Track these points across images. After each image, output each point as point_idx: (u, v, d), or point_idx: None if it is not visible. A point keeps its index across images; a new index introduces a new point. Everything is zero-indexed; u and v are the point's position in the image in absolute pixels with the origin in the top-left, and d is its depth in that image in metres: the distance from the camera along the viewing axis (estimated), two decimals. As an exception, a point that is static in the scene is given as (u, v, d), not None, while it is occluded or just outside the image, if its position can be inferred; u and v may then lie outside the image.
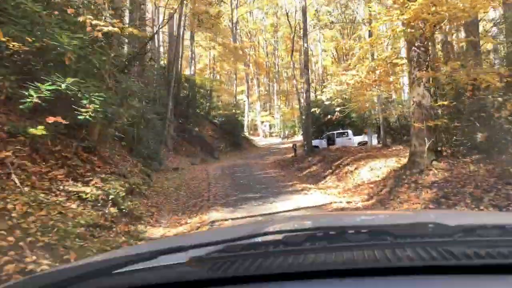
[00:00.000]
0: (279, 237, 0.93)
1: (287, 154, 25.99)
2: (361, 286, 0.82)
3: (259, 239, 1.01)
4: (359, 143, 21.52)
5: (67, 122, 5.97)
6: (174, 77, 22.65)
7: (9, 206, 4.28)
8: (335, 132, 23.10)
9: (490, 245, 0.86)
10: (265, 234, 1.13)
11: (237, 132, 31.88)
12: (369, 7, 16.33)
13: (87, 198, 5.95)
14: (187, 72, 33.38)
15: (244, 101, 51.58)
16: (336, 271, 0.84)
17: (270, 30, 49.54)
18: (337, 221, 1.60)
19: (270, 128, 52.81)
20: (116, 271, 0.90)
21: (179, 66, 24.78)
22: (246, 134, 40.65)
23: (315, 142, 22.04)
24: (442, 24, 8.85)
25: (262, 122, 51.27)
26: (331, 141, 22.34)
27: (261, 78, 54.78)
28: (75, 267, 1.08)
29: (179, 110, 24.57)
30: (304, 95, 20.51)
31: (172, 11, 19.61)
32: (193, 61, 34.96)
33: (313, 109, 21.15)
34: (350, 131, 22.73)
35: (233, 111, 34.81)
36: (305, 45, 21.47)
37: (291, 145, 37.33)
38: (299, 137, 45.37)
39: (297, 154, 20.97)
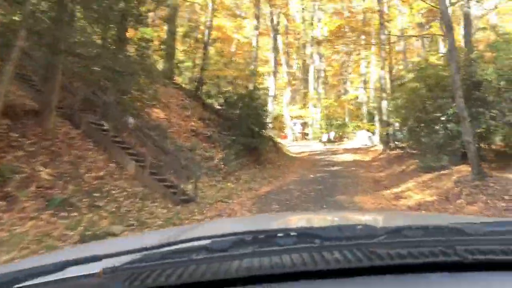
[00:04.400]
0: (204, 243, 0.89)
1: (382, 179, 9.60)
2: None
3: (182, 246, 0.91)
4: None
5: None
6: None
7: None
8: None
9: (413, 245, 0.87)
10: (189, 240, 0.98)
11: (255, 127, 15.28)
12: None
13: None
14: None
15: (267, 89, 34.77)
16: (264, 276, 0.82)
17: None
18: (266, 224, 1.60)
19: (303, 127, 36.22)
20: (16, 286, 0.82)
21: None
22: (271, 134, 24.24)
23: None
24: None
25: (291, 118, 34.83)
26: None
27: (292, 53, 38.18)
28: None
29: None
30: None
31: None
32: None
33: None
34: None
35: (250, 87, 18.30)
36: None
37: (354, 157, 20.78)
38: (354, 142, 28.65)
39: None
